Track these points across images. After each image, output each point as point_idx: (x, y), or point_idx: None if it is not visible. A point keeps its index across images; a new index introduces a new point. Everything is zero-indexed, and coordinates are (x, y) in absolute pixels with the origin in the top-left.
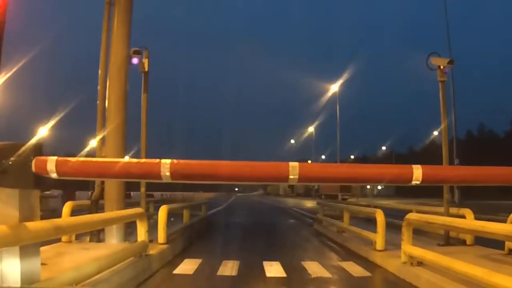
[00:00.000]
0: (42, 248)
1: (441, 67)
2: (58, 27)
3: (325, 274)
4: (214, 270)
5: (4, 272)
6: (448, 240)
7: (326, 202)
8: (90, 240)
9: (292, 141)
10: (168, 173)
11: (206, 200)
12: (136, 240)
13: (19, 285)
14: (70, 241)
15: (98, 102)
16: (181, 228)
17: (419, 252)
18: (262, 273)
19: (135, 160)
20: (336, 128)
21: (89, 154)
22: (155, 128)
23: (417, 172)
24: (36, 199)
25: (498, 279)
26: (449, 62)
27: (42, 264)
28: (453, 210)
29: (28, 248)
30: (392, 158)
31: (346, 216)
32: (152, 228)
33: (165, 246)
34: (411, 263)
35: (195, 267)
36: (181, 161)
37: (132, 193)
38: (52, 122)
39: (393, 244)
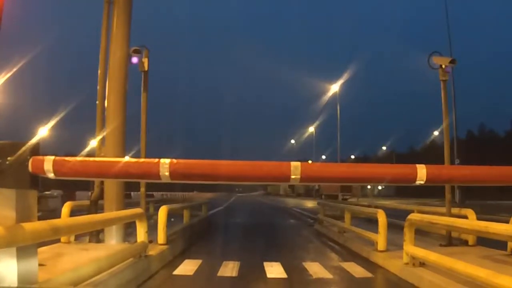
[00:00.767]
0: (40, 249)
1: (443, 66)
2: (58, 27)
3: (326, 275)
4: (214, 271)
5: (1, 274)
6: (450, 240)
7: (327, 202)
8: (89, 241)
9: (293, 141)
10: (167, 173)
11: (206, 200)
12: (136, 241)
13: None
14: (69, 242)
15: (97, 101)
16: (181, 229)
17: (421, 252)
18: (263, 274)
19: (133, 159)
20: (337, 128)
21: (89, 154)
22: (155, 128)
23: (422, 172)
24: (33, 200)
25: (501, 280)
26: (451, 61)
27: (40, 265)
28: (454, 210)
29: (26, 249)
30: (393, 158)
31: (347, 216)
32: (152, 229)
33: (165, 247)
34: (413, 264)
35: (195, 268)
36: (181, 160)
37: (132, 193)
38: (52, 122)
39: (395, 245)
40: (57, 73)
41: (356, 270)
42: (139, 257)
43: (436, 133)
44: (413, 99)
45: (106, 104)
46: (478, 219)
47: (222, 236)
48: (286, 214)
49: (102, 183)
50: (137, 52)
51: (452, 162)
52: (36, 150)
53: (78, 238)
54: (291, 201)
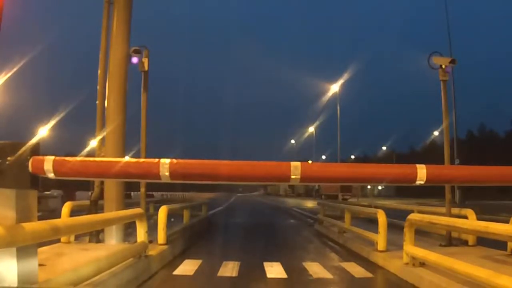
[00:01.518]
0: (40, 249)
1: (443, 66)
2: (58, 27)
3: (326, 275)
4: (214, 271)
5: (1, 274)
6: (450, 240)
7: (327, 202)
8: (90, 241)
9: (293, 141)
10: (167, 173)
11: (206, 200)
12: (136, 241)
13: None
14: (69, 242)
15: (97, 101)
16: (181, 229)
17: (421, 252)
18: (263, 274)
19: (133, 159)
20: (337, 128)
21: (89, 154)
22: (155, 128)
23: (422, 172)
24: (33, 200)
25: (501, 280)
26: (451, 61)
27: (40, 265)
28: (454, 210)
29: (26, 249)
30: (393, 158)
31: (347, 217)
32: (152, 229)
33: (165, 247)
34: (413, 264)
35: (195, 268)
36: (181, 160)
37: (132, 193)
38: (52, 122)
39: (395, 245)
40: (57, 73)
41: (356, 270)
42: (139, 257)
43: (436, 133)
44: (413, 99)
45: (106, 104)
46: (478, 219)
47: (222, 236)
48: (286, 214)
49: (102, 183)
50: (137, 52)
51: (452, 162)
52: (36, 150)
53: (78, 238)
54: (291, 201)
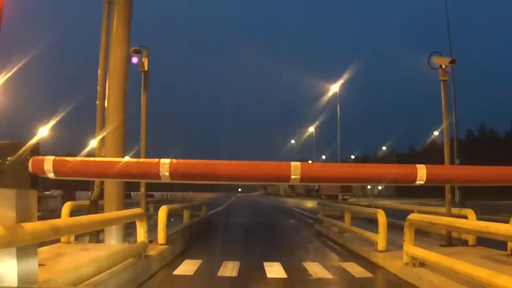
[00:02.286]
0: (40, 249)
1: (443, 66)
2: (58, 27)
3: (326, 275)
4: (214, 271)
5: (1, 274)
6: (450, 240)
7: (327, 202)
8: (90, 241)
9: (293, 141)
10: (167, 173)
11: (206, 200)
12: (136, 241)
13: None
14: (69, 242)
15: (97, 101)
16: (181, 229)
17: (421, 253)
18: (263, 274)
19: (133, 159)
20: (337, 128)
21: (89, 154)
22: (155, 127)
23: (421, 172)
24: (33, 200)
25: (502, 280)
26: (451, 61)
27: (40, 265)
28: (454, 210)
29: (26, 249)
30: (393, 158)
31: (347, 217)
32: (152, 229)
33: (165, 247)
34: (413, 264)
35: (195, 268)
36: (181, 160)
37: (132, 193)
38: (52, 122)
39: (395, 245)
40: (57, 73)
41: (356, 270)
42: (139, 257)
43: (436, 133)
44: (413, 99)
45: (106, 104)
46: (478, 219)
47: (222, 236)
48: (286, 214)
49: (102, 183)
50: (137, 52)
51: (452, 162)
52: (36, 150)
53: (78, 238)
54: (291, 201)
